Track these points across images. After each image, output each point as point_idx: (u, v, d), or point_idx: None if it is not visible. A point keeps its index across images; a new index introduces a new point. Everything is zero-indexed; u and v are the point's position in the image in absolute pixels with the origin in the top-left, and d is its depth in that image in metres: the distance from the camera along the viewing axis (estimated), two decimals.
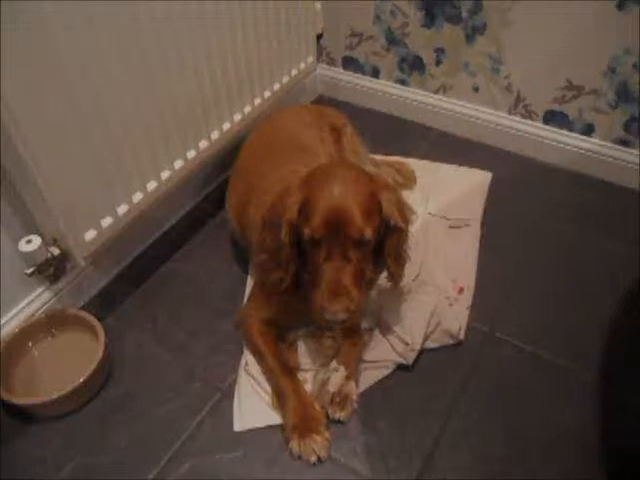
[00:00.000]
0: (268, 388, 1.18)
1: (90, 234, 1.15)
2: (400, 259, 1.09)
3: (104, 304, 1.37)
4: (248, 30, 1.39)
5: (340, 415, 1.12)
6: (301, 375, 1.20)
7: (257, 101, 1.51)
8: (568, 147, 1.68)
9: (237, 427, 1.14)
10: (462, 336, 1.26)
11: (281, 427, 1.12)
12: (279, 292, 1.15)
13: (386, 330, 1.25)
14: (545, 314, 1.34)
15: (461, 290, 1.36)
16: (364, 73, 1.93)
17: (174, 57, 1.19)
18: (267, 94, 1.53)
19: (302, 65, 1.65)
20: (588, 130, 1.63)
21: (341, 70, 1.97)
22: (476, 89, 1.75)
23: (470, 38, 1.65)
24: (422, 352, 1.24)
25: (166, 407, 1.18)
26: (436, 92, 1.83)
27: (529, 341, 1.28)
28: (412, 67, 1.82)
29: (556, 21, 1.49)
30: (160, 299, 1.40)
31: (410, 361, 1.20)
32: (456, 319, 1.28)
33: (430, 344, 1.26)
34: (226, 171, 1.57)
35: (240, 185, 1.36)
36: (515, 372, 1.23)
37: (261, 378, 1.20)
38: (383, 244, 1.06)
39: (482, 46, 1.64)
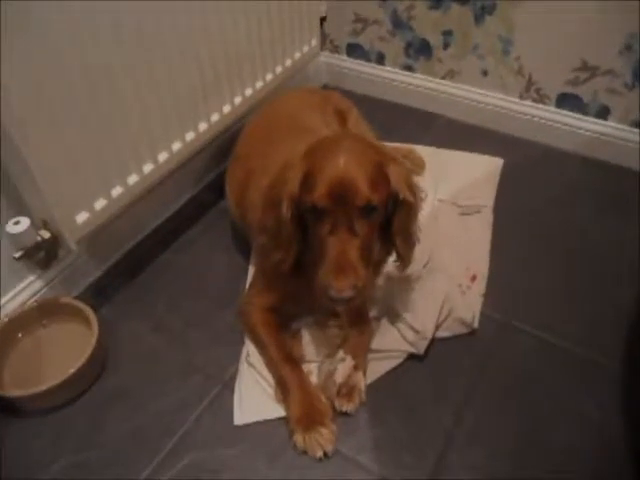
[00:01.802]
0: (271, 380, 1.11)
1: (82, 217, 1.09)
2: (409, 239, 1.02)
3: (99, 295, 1.31)
4: (249, 10, 1.33)
5: (347, 407, 1.05)
6: (306, 366, 1.13)
7: (259, 84, 1.45)
8: (582, 131, 1.61)
9: (238, 421, 1.07)
10: (476, 324, 1.20)
11: (285, 420, 1.05)
12: (281, 276, 1.08)
13: (395, 318, 1.19)
14: (562, 301, 1.27)
15: (474, 278, 1.30)
16: (369, 60, 1.87)
17: (173, 35, 1.14)
18: (269, 76, 1.48)
19: (305, 48, 1.59)
20: (603, 113, 1.56)
21: (345, 57, 1.91)
22: (485, 73, 1.68)
23: (479, 19, 1.59)
24: (434, 341, 1.17)
25: (163, 400, 1.11)
26: (443, 77, 1.77)
27: (547, 329, 1.21)
28: (419, 52, 1.76)
29: None
30: (157, 289, 1.34)
31: (421, 350, 1.13)
32: (469, 307, 1.21)
33: (442, 333, 1.19)
34: (225, 161, 1.50)
35: (240, 169, 1.30)
36: (533, 362, 1.16)
37: (263, 369, 1.13)
38: (391, 222, 0.99)
39: (491, 27, 1.59)
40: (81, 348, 1.11)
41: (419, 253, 1.30)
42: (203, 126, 1.31)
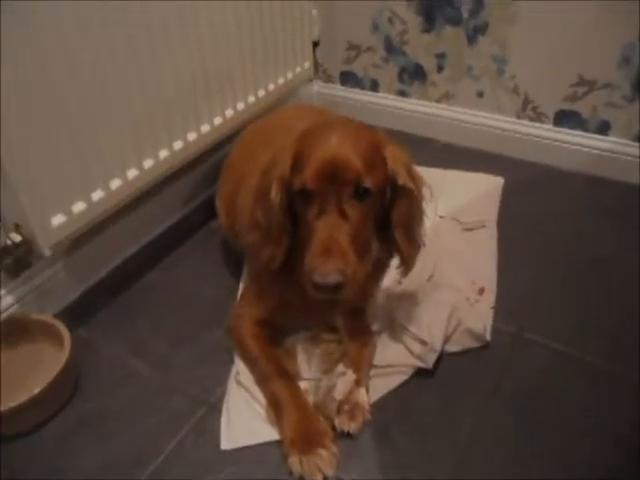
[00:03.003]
0: (262, 399, 0.99)
1: (58, 219, 1.01)
2: (411, 235, 0.93)
3: (76, 315, 1.20)
4: (242, 27, 1.32)
5: (349, 427, 0.93)
6: (301, 385, 1.01)
7: (251, 99, 1.42)
8: (583, 149, 1.57)
9: (225, 445, 0.94)
10: (488, 336, 1.09)
11: (278, 443, 0.93)
12: (273, 281, 1.00)
13: (400, 330, 1.08)
14: (576, 313, 1.18)
15: (482, 290, 1.20)
16: (363, 87, 1.86)
17: (163, 42, 1.12)
18: (261, 93, 1.45)
19: (298, 69, 1.58)
20: (604, 128, 1.53)
21: (339, 86, 1.90)
22: (480, 94, 1.67)
23: (472, 39, 1.59)
24: (443, 356, 1.06)
25: (142, 424, 0.99)
26: (438, 101, 1.75)
27: (563, 342, 1.10)
28: (413, 76, 1.75)
29: (562, 12, 1.43)
30: (140, 310, 1.23)
31: (430, 364, 1.02)
32: (479, 318, 1.12)
33: (452, 347, 1.08)
34: (216, 183, 1.45)
35: (230, 179, 1.24)
36: (550, 376, 1.04)
37: (254, 388, 1.01)
38: (390, 215, 0.91)
39: (485, 46, 1.58)
40: (52, 370, 1.00)
41: (421, 267, 1.24)
42: (192, 136, 1.26)
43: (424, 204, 0.95)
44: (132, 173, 1.13)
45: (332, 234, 0.82)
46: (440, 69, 1.69)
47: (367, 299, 1.09)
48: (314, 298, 0.97)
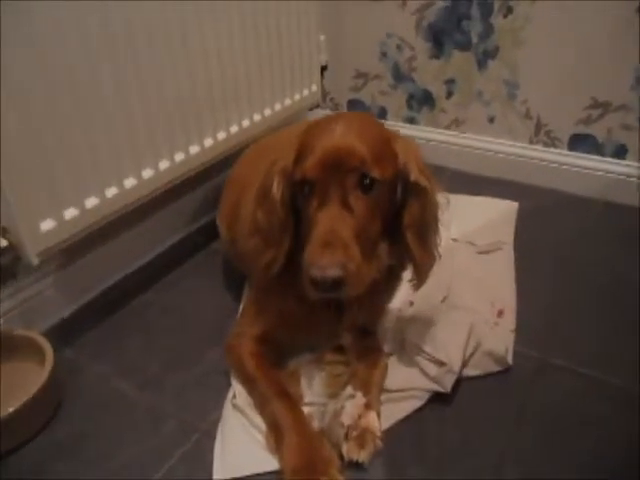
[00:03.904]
0: (261, 425, 0.89)
1: (47, 224, 0.95)
2: (425, 239, 0.85)
3: (64, 334, 1.12)
4: (249, 43, 1.30)
5: (359, 455, 0.82)
6: (305, 410, 0.91)
7: (257, 117, 1.38)
8: (599, 173, 1.52)
9: (218, 475, 0.84)
10: (510, 360, 1.00)
11: (278, 473, 0.82)
12: (274, 293, 0.93)
13: (413, 351, 0.99)
14: (601, 337, 1.09)
15: (501, 313, 1.12)
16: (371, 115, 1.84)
17: (167, 52, 1.10)
18: (267, 112, 1.41)
19: (305, 92, 1.55)
20: (620, 151, 1.48)
21: None
22: (491, 119, 1.63)
23: (482, 64, 1.57)
24: (461, 381, 0.97)
25: (127, 451, 0.89)
26: (448, 127, 1.72)
27: (592, 366, 1.01)
28: (421, 103, 1.72)
29: (573, 34, 1.41)
30: (133, 330, 1.15)
31: (448, 387, 0.92)
32: (500, 340, 1.02)
33: (471, 371, 0.99)
34: (217, 207, 1.40)
35: (231, 194, 1.18)
36: (581, 402, 0.94)
37: (252, 412, 0.91)
38: (402, 217, 0.83)
39: (495, 71, 1.56)
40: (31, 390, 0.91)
41: (435, 288, 1.16)
42: (195, 149, 1.21)
43: (439, 211, 0.88)
44: (130, 182, 1.08)
45: (333, 226, 0.74)
46: (449, 95, 1.67)
47: (377, 316, 1.01)
48: (318, 309, 0.91)
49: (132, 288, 1.26)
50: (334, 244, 0.73)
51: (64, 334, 1.12)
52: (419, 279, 0.89)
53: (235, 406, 0.93)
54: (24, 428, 0.90)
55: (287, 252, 0.85)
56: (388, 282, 0.93)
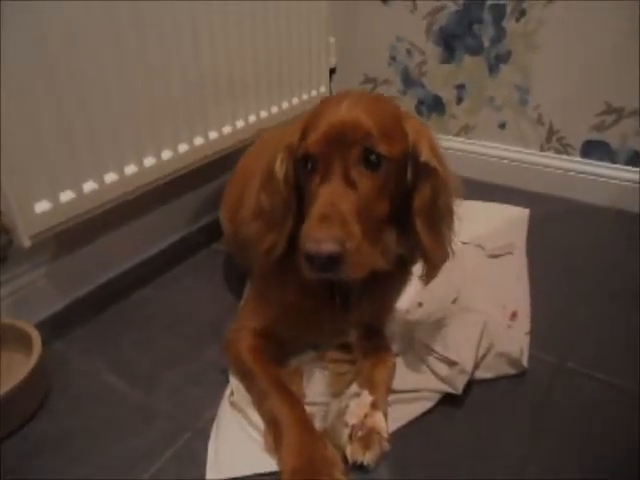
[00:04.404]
0: (260, 423, 0.83)
1: (42, 206, 0.90)
2: (436, 227, 0.80)
3: (56, 327, 1.07)
4: (257, 40, 1.28)
5: (364, 457, 0.76)
6: (307, 410, 0.85)
7: (263, 113, 1.35)
8: (613, 181, 1.48)
9: (211, 475, 0.78)
10: (525, 362, 0.94)
11: (277, 474, 0.76)
12: (275, 284, 0.88)
13: (423, 350, 0.93)
14: (621, 341, 1.03)
15: (514, 315, 1.06)
16: None
17: (176, 49, 1.08)
18: (274, 109, 1.38)
19: (313, 92, 1.52)
20: (634, 158, 1.44)
21: None
22: (502, 125, 1.60)
23: (493, 68, 1.54)
24: (473, 383, 0.91)
25: (115, 449, 0.83)
26: (458, 134, 1.69)
27: (612, 372, 0.95)
28: (431, 109, 1.70)
29: (587, 38, 1.38)
30: (128, 325, 1.10)
31: (460, 388, 0.86)
32: (514, 341, 0.97)
33: (483, 373, 0.93)
34: (219, 206, 1.36)
35: (235, 185, 1.15)
36: (598, 408, 0.88)
37: (250, 410, 0.85)
38: (412, 202, 0.78)
39: (507, 76, 1.53)
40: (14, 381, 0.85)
41: (445, 290, 1.11)
42: (199, 140, 1.18)
43: (454, 202, 0.84)
44: (130, 169, 1.04)
45: (333, 200, 0.70)
46: (460, 100, 1.64)
47: (385, 312, 0.96)
48: (322, 302, 0.86)
49: (129, 283, 1.21)
50: (332, 218, 0.68)
51: (55, 327, 1.07)
52: (429, 273, 0.84)
53: (232, 404, 0.88)
54: (5, 420, 0.84)
55: (289, 236, 0.81)
56: (397, 275, 0.88)
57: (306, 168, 0.75)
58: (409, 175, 0.78)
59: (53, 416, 0.88)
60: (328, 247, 0.67)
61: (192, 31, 1.11)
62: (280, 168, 0.78)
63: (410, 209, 0.79)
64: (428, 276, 0.85)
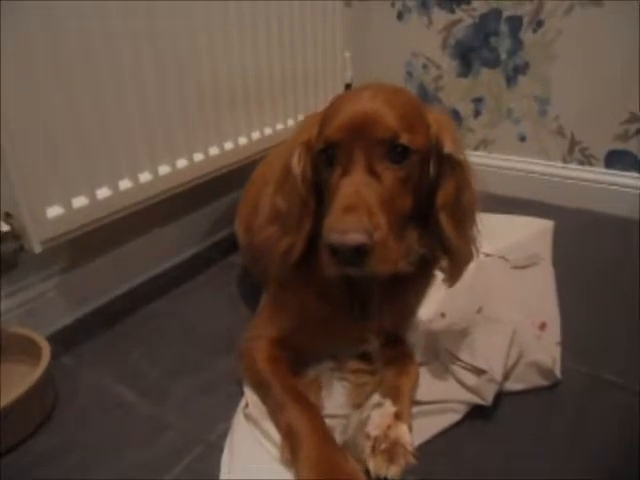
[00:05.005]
0: (276, 436, 0.78)
1: (54, 211, 0.89)
2: (461, 222, 0.76)
3: (64, 341, 1.04)
4: (273, 53, 1.28)
5: (388, 471, 0.70)
6: (326, 422, 0.80)
7: (279, 126, 1.34)
8: (638, 191, 1.43)
9: None
10: (558, 373, 0.88)
11: None
12: (293, 291, 0.85)
13: (448, 359, 0.88)
14: None
15: (543, 326, 1.00)
16: None
17: (193, 61, 1.08)
18: (290, 122, 1.37)
19: None
20: None
21: None
22: (522, 138, 1.57)
23: (511, 80, 1.52)
24: (502, 395, 0.85)
25: (122, 462, 0.78)
26: (476, 148, 1.66)
27: None
28: None
29: (605, 47, 1.36)
30: (139, 337, 1.06)
31: (489, 398, 0.81)
32: (546, 350, 0.91)
33: (514, 385, 0.87)
34: (233, 222, 1.34)
35: (251, 194, 1.12)
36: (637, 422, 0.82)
37: (266, 422, 0.80)
38: (435, 197, 0.75)
39: (525, 87, 1.51)
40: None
41: (469, 300, 1.07)
42: (214, 150, 1.17)
43: (477, 200, 0.80)
44: (145, 177, 1.03)
45: (358, 190, 0.66)
46: (477, 114, 1.62)
47: (407, 318, 0.91)
48: (341, 309, 0.82)
49: (141, 297, 1.18)
50: (358, 208, 0.65)
51: (64, 341, 1.04)
52: (454, 273, 0.80)
53: (247, 416, 0.83)
54: (7, 432, 0.80)
55: (307, 238, 0.77)
56: (419, 278, 0.84)
57: (326, 161, 0.72)
58: (432, 169, 0.75)
59: (59, 429, 0.84)
60: (355, 238, 0.63)
61: (208, 42, 1.11)
62: (297, 164, 0.75)
63: (433, 206, 0.75)
64: (452, 277, 0.81)
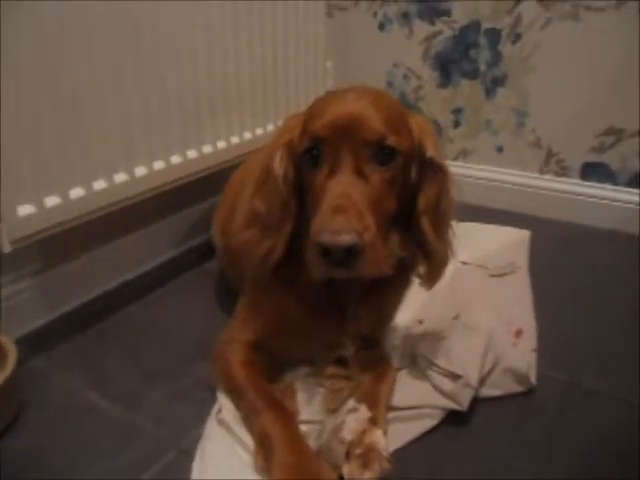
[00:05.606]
0: (249, 442, 0.76)
1: (26, 209, 0.86)
2: (441, 226, 0.77)
3: (36, 343, 1.01)
4: (255, 58, 1.28)
5: (363, 476, 0.69)
6: (301, 428, 0.78)
7: (259, 131, 1.34)
8: (614, 204, 1.45)
9: None
10: (533, 379, 0.88)
11: None
12: (269, 292, 0.84)
13: (425, 365, 0.88)
14: (625, 360, 0.98)
15: (519, 333, 1.01)
16: None
17: (174, 64, 1.08)
18: (270, 127, 1.37)
19: None
20: (635, 180, 1.42)
21: None
22: (500, 149, 1.59)
23: (490, 92, 1.55)
24: (478, 401, 0.85)
25: (90, 468, 0.76)
26: (455, 159, 1.67)
27: (622, 389, 0.89)
28: None
29: (584, 59, 1.39)
30: (112, 342, 1.04)
31: (465, 404, 0.81)
32: (522, 356, 0.91)
33: (490, 390, 0.87)
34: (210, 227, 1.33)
35: (229, 196, 1.11)
36: (614, 428, 0.82)
37: (239, 428, 0.79)
38: (416, 201, 0.75)
39: (504, 99, 1.53)
40: None
41: (446, 307, 1.07)
42: (192, 154, 1.16)
43: (455, 200, 0.81)
44: (120, 177, 1.01)
45: (347, 191, 0.66)
46: (457, 125, 1.64)
47: (384, 323, 0.91)
48: (318, 312, 0.81)
49: (116, 301, 1.16)
50: (349, 209, 0.64)
51: (36, 343, 1.01)
52: (432, 275, 0.80)
53: (220, 421, 0.81)
54: None
55: (287, 241, 0.77)
56: (397, 282, 0.84)
57: (310, 162, 0.71)
58: (413, 173, 0.75)
59: (25, 433, 0.81)
60: (347, 239, 0.62)
61: (190, 47, 1.10)
62: (279, 165, 0.74)
63: (413, 209, 0.76)
64: (431, 280, 0.81)
